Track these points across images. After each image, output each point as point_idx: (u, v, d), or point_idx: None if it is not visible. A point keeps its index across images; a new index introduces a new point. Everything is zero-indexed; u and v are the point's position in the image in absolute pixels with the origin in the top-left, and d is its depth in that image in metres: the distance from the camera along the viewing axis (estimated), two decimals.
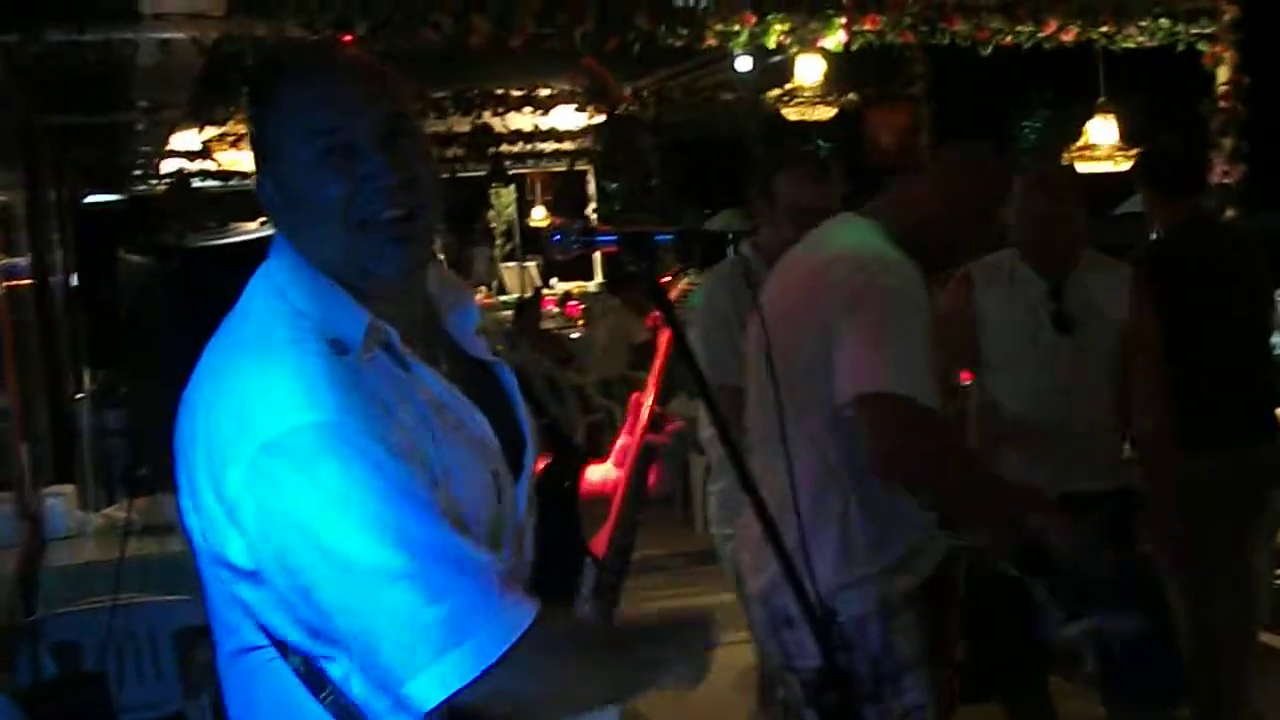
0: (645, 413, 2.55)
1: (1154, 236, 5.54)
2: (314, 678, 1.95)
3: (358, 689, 1.93)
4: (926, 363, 3.34)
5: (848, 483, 3.44)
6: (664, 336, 2.55)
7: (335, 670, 1.94)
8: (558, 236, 2.28)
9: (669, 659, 2.06)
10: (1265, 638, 5.95)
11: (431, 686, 1.81)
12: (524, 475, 2.22)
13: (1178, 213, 5.38)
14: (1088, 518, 4.06)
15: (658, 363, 2.59)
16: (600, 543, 2.43)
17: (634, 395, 2.61)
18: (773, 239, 4.42)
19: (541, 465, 2.37)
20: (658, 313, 2.34)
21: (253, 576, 1.92)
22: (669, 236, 2.30)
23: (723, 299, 4.45)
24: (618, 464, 2.56)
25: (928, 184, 3.69)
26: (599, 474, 2.58)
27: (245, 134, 9.04)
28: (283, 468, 1.82)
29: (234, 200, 15.28)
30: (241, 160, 9.66)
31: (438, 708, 1.83)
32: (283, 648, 1.96)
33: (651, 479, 2.52)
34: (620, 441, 2.59)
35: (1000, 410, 4.57)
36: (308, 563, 1.84)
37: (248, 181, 15.07)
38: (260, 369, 1.88)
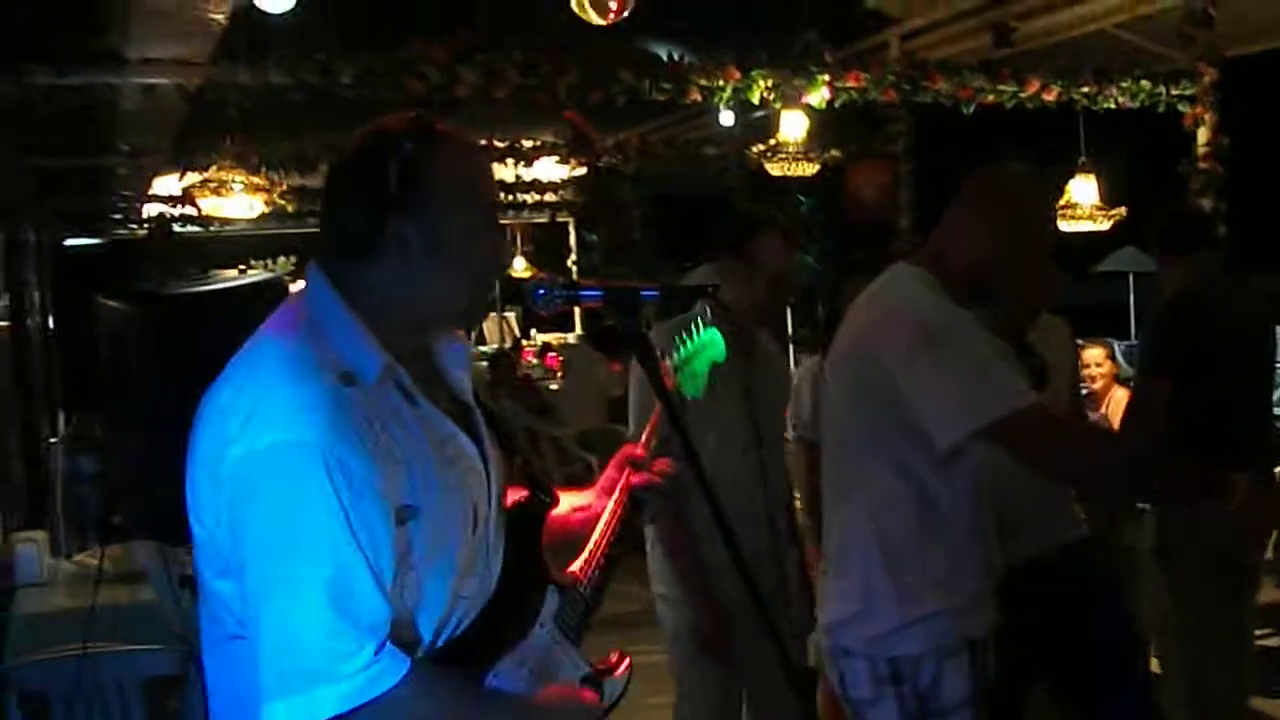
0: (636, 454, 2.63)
1: (1165, 296, 5.57)
2: None
3: None
4: (1005, 371, 3.30)
5: (922, 529, 3.43)
6: (665, 376, 2.63)
7: None
8: (541, 291, 2.31)
9: None
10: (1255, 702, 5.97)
11: (283, 714, 1.99)
12: (493, 507, 2.35)
13: (1191, 272, 5.43)
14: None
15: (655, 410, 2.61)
16: (574, 572, 2.51)
17: (628, 445, 2.69)
18: (744, 299, 4.40)
19: (513, 500, 2.48)
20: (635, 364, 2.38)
21: (225, 568, 2.12)
22: (654, 293, 2.32)
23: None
24: (600, 493, 2.67)
25: (964, 221, 3.54)
26: (567, 502, 2.67)
27: (227, 180, 9.06)
28: (260, 475, 2.02)
29: (215, 247, 15.28)
30: (223, 207, 9.62)
31: None
32: None
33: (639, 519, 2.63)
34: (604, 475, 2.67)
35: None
36: (247, 565, 2.04)
37: (229, 228, 15.13)
38: (273, 385, 2.07)
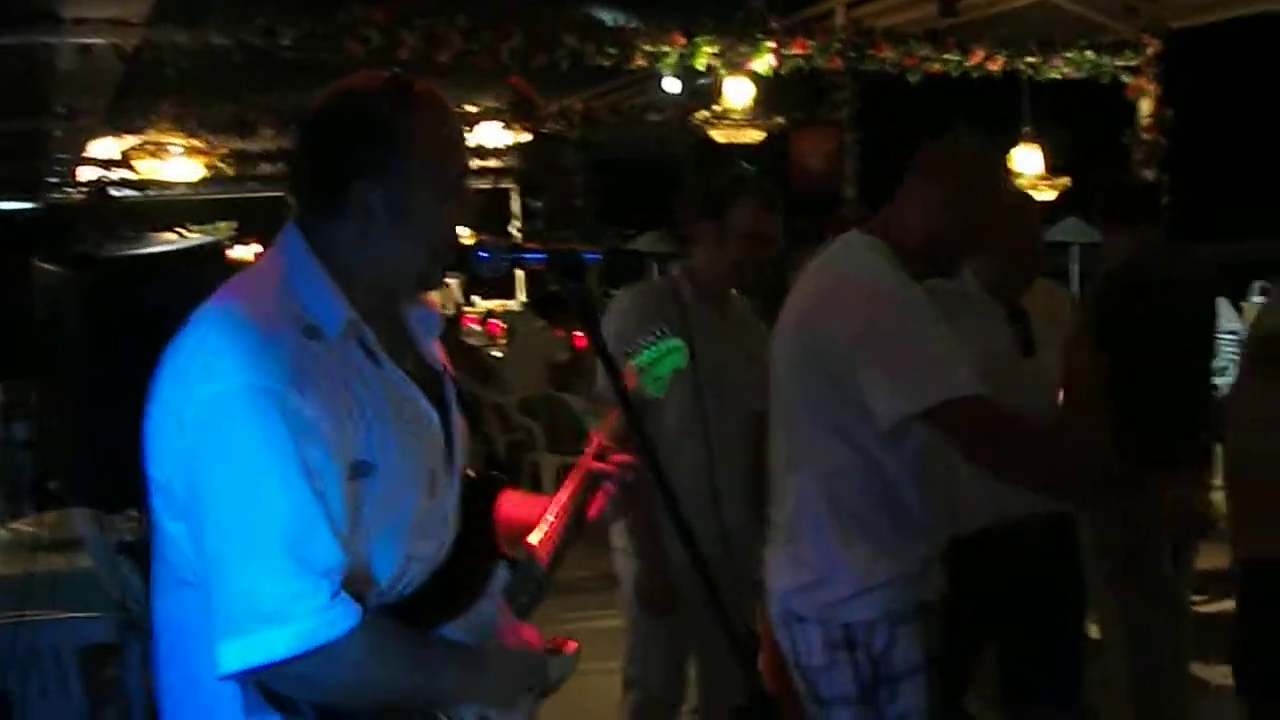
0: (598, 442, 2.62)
1: (1109, 267, 5.58)
2: None
3: None
4: (955, 357, 3.30)
5: (872, 497, 3.44)
6: (629, 376, 2.65)
7: None
8: (485, 254, 2.31)
9: (484, 684, 2.27)
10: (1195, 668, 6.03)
11: (236, 654, 1.99)
12: (454, 477, 2.36)
13: (1136, 243, 5.43)
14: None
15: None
16: (534, 545, 2.50)
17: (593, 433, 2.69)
18: (715, 265, 4.38)
19: (471, 472, 2.47)
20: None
21: (180, 511, 2.11)
22: (597, 256, 2.34)
23: (637, 314, 4.37)
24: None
25: (917, 193, 3.54)
26: (518, 502, 2.64)
27: (165, 143, 8.95)
28: (218, 419, 2.02)
29: (153, 211, 15.09)
30: (161, 169, 9.49)
31: (234, 676, 2.01)
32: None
33: (594, 508, 2.62)
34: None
35: None
36: (203, 509, 2.04)
37: (167, 192, 14.96)
38: (236, 333, 2.06)
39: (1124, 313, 5.13)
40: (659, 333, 2.90)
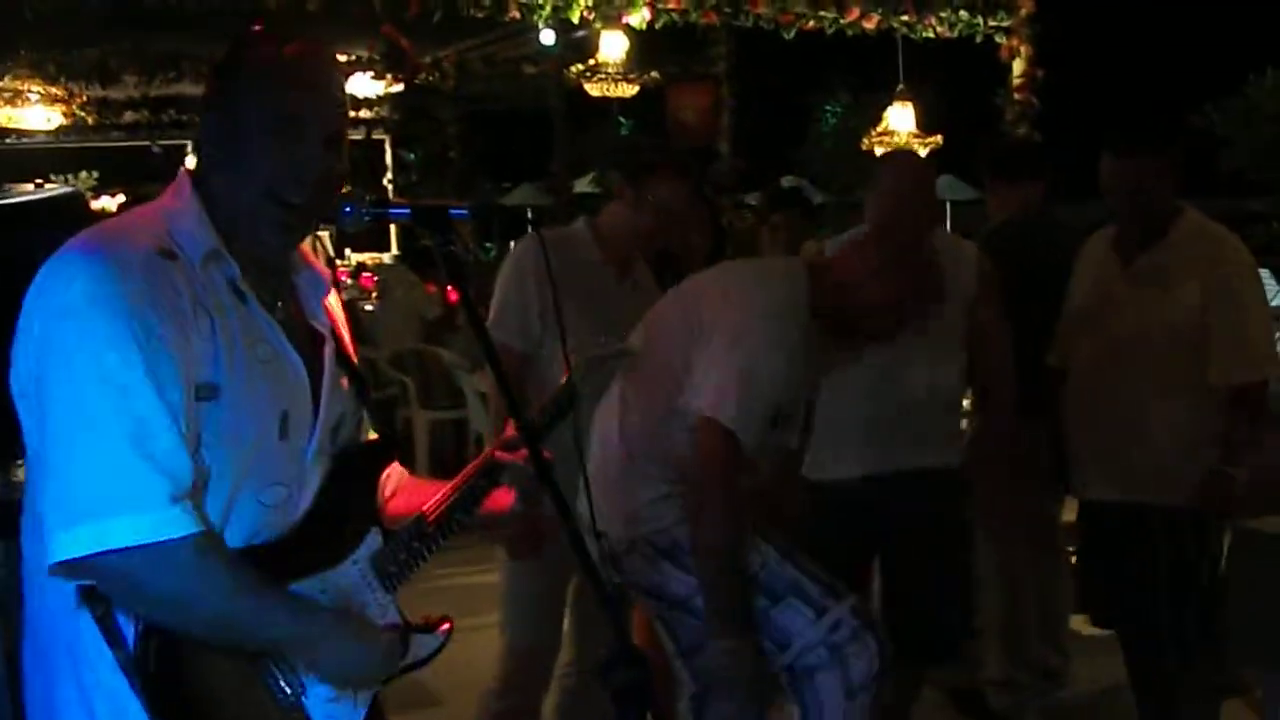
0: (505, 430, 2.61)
1: (992, 224, 5.63)
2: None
3: None
4: (765, 413, 3.58)
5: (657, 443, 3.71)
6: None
7: None
8: (349, 208, 2.26)
9: (316, 644, 2.18)
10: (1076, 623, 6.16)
11: (69, 542, 1.98)
12: (317, 429, 2.32)
13: (1019, 201, 5.48)
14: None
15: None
16: (426, 510, 2.48)
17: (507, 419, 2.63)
18: (623, 227, 4.34)
19: (362, 439, 2.48)
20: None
21: (36, 425, 2.09)
22: (463, 211, 2.29)
23: (526, 265, 4.34)
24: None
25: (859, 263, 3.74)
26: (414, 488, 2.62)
27: (22, 90, 8.68)
28: (66, 326, 2.03)
29: (9, 160, 14.68)
30: (18, 118, 9.23)
31: (64, 564, 2.00)
32: None
33: (502, 499, 2.61)
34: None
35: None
36: (49, 411, 2.05)
37: (25, 141, 14.57)
38: (91, 250, 2.08)
39: (1007, 269, 5.17)
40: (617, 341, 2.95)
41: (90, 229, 2.17)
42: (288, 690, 2.20)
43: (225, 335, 2.15)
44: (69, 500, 2.00)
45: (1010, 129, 9.80)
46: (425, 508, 2.49)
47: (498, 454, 2.61)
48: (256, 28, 2.24)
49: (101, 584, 2.05)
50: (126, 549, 1.98)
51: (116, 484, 1.99)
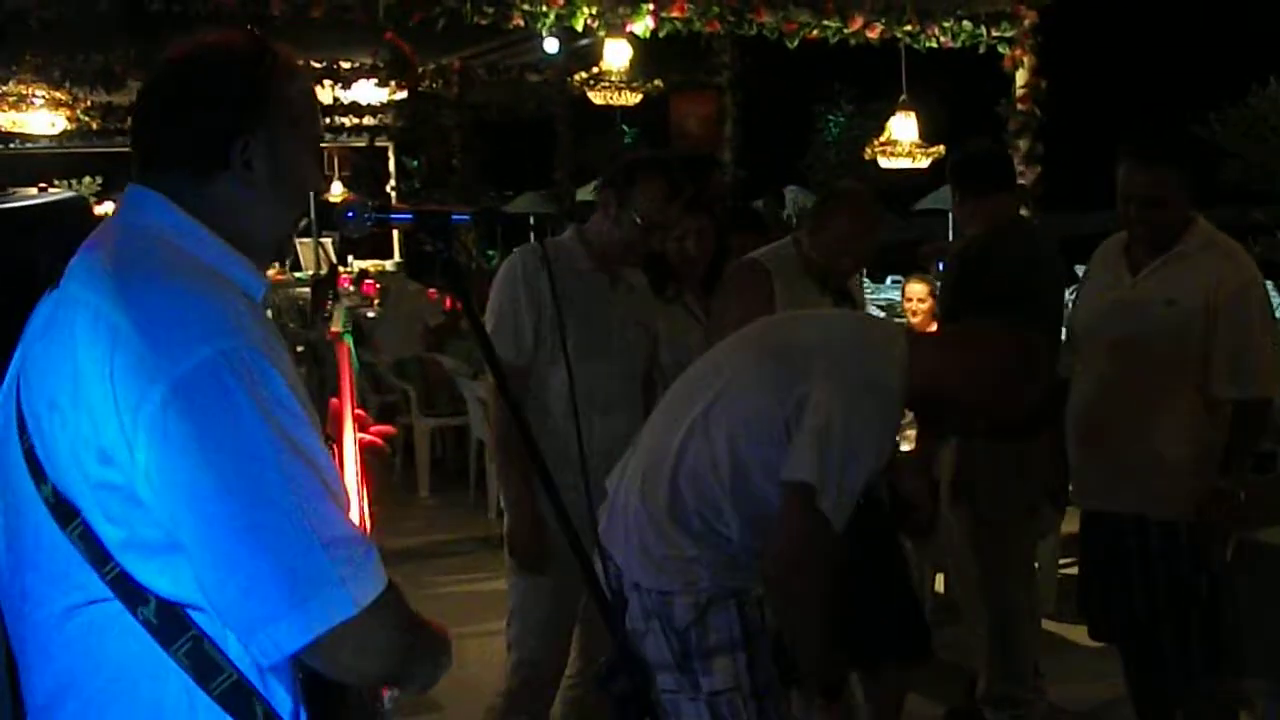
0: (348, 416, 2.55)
1: (962, 235, 5.64)
2: (168, 628, 1.91)
3: (224, 638, 1.92)
4: (858, 490, 3.37)
5: (695, 487, 3.49)
6: (343, 352, 2.62)
7: (201, 619, 1.91)
8: (351, 213, 2.25)
9: (439, 660, 2.11)
10: (1050, 625, 6.23)
11: (299, 627, 1.82)
12: None
13: (990, 213, 5.42)
14: None
15: (344, 369, 2.59)
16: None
17: (332, 400, 2.59)
18: (608, 235, 4.35)
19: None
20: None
21: (139, 505, 1.87)
22: (466, 217, 2.30)
23: (514, 281, 4.35)
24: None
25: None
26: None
27: (27, 95, 8.69)
28: (218, 387, 1.84)
29: (13, 164, 14.71)
30: (22, 122, 9.22)
31: (301, 650, 1.84)
32: (137, 597, 1.90)
33: (369, 478, 2.57)
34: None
35: None
36: (205, 487, 1.83)
37: (29, 145, 14.58)
38: (186, 293, 1.91)
39: (980, 281, 5.18)
40: None
41: (127, 271, 1.95)
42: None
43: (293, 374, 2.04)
44: (281, 582, 1.83)
45: (1012, 139, 9.81)
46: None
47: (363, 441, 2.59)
48: (256, 44, 2.12)
49: (324, 657, 1.88)
50: (368, 608, 1.86)
51: (338, 545, 1.86)
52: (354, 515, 2.33)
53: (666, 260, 5.03)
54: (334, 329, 2.64)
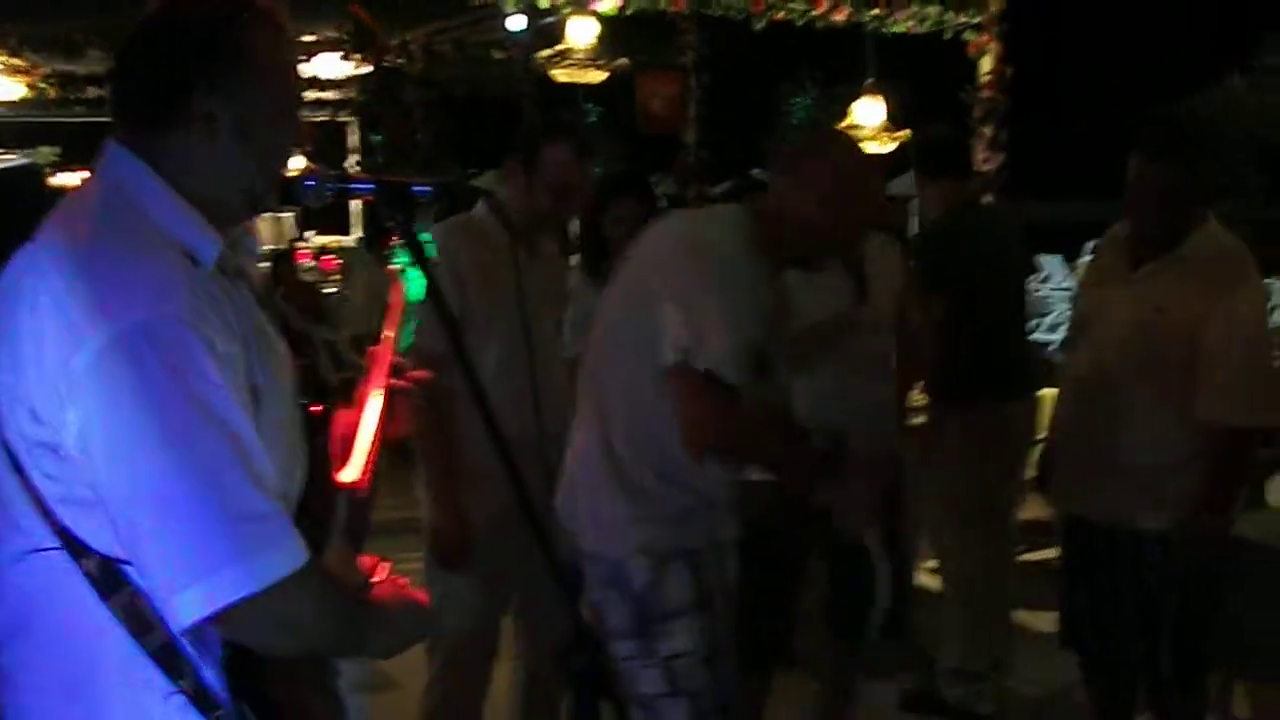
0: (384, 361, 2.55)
1: (921, 219, 5.70)
2: (108, 582, 1.94)
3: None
4: (733, 343, 3.32)
5: (636, 443, 3.50)
6: (396, 290, 2.61)
7: (136, 576, 1.94)
8: (311, 182, 2.22)
9: (389, 629, 2.14)
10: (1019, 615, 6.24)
11: (199, 599, 1.83)
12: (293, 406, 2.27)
13: (946, 197, 5.49)
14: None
15: (393, 314, 2.60)
16: (356, 480, 2.40)
17: (370, 350, 2.60)
18: (520, 202, 4.29)
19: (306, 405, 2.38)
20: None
21: (72, 464, 1.91)
22: (427, 189, 2.27)
23: (453, 249, 4.30)
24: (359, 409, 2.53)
25: (785, 183, 3.57)
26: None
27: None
28: (138, 357, 1.84)
29: None
30: None
31: (200, 622, 1.85)
32: (79, 549, 1.95)
33: (396, 424, 2.55)
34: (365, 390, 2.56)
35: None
36: (134, 455, 1.85)
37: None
38: (117, 264, 1.92)
39: (941, 264, 5.24)
40: None
41: (73, 233, 1.97)
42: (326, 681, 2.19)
43: (245, 332, 2.04)
44: (186, 554, 1.83)
45: (977, 126, 9.82)
46: (356, 480, 2.41)
47: (394, 383, 2.57)
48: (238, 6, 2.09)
49: (238, 629, 1.90)
50: (277, 584, 1.85)
51: (249, 520, 1.86)
52: (358, 462, 2.39)
53: (604, 240, 4.97)
54: (391, 266, 2.64)
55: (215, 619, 1.85)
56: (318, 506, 2.27)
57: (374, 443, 2.45)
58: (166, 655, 1.94)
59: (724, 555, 3.65)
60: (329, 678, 2.17)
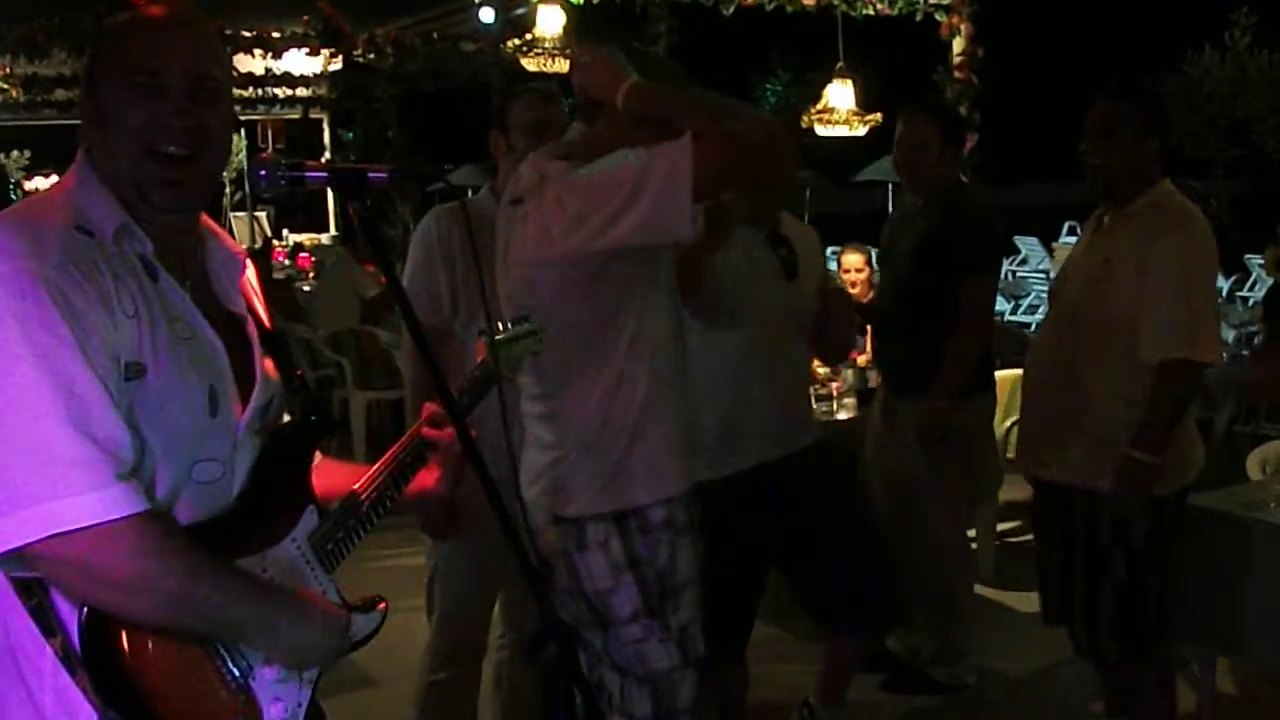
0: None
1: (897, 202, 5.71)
2: None
3: None
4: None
5: (643, 407, 3.35)
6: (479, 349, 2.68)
7: None
8: (264, 172, 2.20)
9: (275, 623, 2.15)
10: (989, 591, 6.33)
11: (12, 531, 1.92)
12: (250, 410, 2.30)
13: (959, 163, 5.56)
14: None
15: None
16: (356, 490, 2.49)
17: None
18: (509, 167, 4.28)
19: (292, 419, 2.47)
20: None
21: None
22: (381, 175, 2.24)
23: (431, 239, 4.28)
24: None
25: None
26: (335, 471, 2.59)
27: None
28: None
29: None
30: None
31: (9, 554, 1.94)
32: None
33: (427, 479, 2.62)
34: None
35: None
36: None
37: None
38: (3, 227, 2.06)
39: (988, 248, 5.31)
40: (524, 318, 2.88)
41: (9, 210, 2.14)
42: (235, 672, 2.16)
43: (146, 313, 2.12)
44: (8, 485, 1.93)
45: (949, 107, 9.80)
46: (357, 486, 2.48)
47: (426, 431, 2.60)
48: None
49: (50, 572, 1.99)
50: (76, 530, 1.92)
51: (59, 465, 1.94)
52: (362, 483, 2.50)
53: None
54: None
55: (23, 556, 1.94)
56: (271, 508, 2.33)
57: (384, 474, 2.54)
58: (39, 612, 2.03)
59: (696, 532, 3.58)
60: (240, 669, 2.17)
